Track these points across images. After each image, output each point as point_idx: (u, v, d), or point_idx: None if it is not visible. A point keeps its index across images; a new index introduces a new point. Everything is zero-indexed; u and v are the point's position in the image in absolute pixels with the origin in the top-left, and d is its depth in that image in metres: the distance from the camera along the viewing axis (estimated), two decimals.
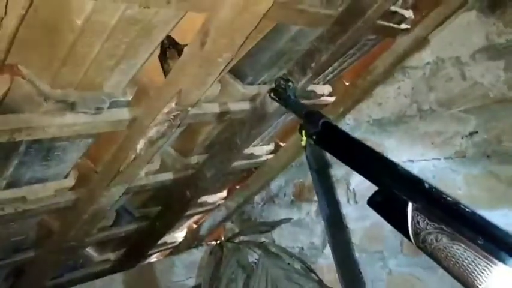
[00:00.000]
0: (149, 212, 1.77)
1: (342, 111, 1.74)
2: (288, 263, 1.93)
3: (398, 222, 0.66)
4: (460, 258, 0.57)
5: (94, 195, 1.26)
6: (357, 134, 1.69)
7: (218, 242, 2.16)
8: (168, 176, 1.57)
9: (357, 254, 1.81)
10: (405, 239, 1.67)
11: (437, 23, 1.52)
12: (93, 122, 1.03)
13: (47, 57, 0.88)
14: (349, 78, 1.71)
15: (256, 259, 2.00)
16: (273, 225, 2.03)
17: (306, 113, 0.90)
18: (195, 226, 2.26)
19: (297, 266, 1.92)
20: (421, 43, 1.58)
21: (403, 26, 1.50)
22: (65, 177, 1.26)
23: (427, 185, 0.66)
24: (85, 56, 0.89)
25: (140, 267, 2.03)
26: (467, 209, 0.60)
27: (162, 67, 1.05)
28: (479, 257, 0.55)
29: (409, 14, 1.47)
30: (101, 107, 1.02)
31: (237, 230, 2.16)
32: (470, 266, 0.56)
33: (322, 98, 1.68)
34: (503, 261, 0.53)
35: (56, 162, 1.18)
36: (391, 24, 1.43)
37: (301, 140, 0.88)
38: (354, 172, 1.75)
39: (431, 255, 0.62)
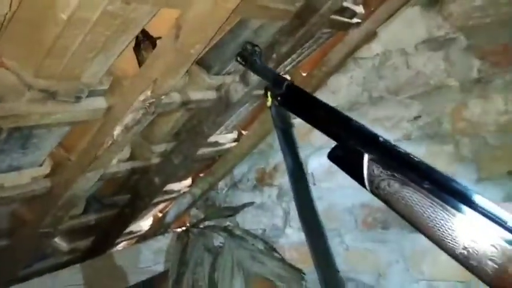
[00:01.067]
0: (118, 200, 1.83)
1: None
2: (252, 244, 2.05)
3: (355, 172, 0.72)
4: (409, 200, 0.64)
5: (70, 181, 1.31)
6: None
7: (184, 228, 2.24)
8: (137, 164, 1.64)
9: None
10: (360, 216, 1.83)
11: (385, 18, 1.67)
12: (73, 110, 1.10)
13: (31, 50, 0.94)
14: (306, 69, 1.83)
15: (221, 242, 2.10)
16: (237, 209, 2.14)
17: (271, 76, 0.94)
18: (160, 214, 2.33)
19: (261, 246, 2.04)
20: (371, 36, 1.72)
21: (354, 20, 1.64)
22: (41, 165, 1.31)
23: (381, 139, 0.72)
24: (67, 48, 0.96)
25: (108, 255, 2.08)
26: (415, 158, 0.67)
27: (137, 58, 1.13)
28: (425, 198, 0.63)
29: (359, 9, 1.61)
30: (80, 96, 1.09)
31: (202, 216, 2.24)
32: (418, 206, 0.63)
33: None
34: (444, 200, 0.61)
35: (32, 150, 1.23)
36: (344, 19, 1.57)
37: (267, 101, 0.92)
38: (312, 156, 1.89)
39: (384, 199, 0.69)
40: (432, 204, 0.63)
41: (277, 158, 2.03)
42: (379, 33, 1.72)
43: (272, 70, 0.99)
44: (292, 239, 2.02)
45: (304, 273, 1.93)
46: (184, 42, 1.02)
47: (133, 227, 2.18)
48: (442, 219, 0.62)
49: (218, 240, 2.13)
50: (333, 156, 0.77)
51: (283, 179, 2.02)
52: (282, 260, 1.97)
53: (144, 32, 1.10)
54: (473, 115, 1.59)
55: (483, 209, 0.60)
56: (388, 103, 1.74)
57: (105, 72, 1.11)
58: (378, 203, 1.93)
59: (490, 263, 0.57)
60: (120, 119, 1.16)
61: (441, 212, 0.62)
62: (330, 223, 1.92)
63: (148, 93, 1.10)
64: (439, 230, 0.62)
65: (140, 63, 1.12)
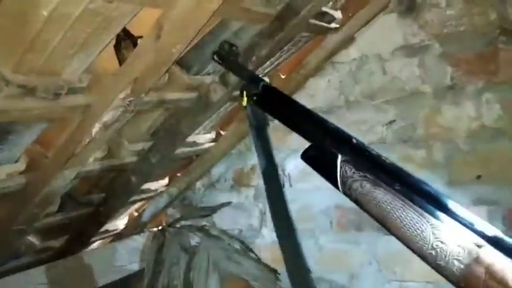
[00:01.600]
0: (93, 198, 1.82)
1: None
2: (228, 244, 2.07)
3: (328, 173, 0.74)
4: (380, 201, 0.67)
5: (46, 178, 1.30)
6: None
7: (160, 227, 2.24)
8: (114, 162, 1.63)
9: None
10: (334, 218, 1.86)
11: (363, 23, 1.71)
12: (51, 107, 1.09)
13: (11, 45, 0.94)
14: (284, 72, 1.86)
15: (197, 242, 2.11)
16: (214, 209, 2.15)
17: (247, 76, 0.96)
18: (136, 213, 2.32)
19: (237, 246, 2.06)
20: (348, 41, 1.76)
21: (333, 25, 1.66)
22: (16, 161, 1.30)
23: (354, 140, 0.75)
24: (47, 45, 0.96)
25: (83, 254, 2.06)
26: (387, 161, 0.70)
27: (117, 56, 1.13)
28: (396, 200, 0.66)
29: (338, 14, 1.64)
30: (59, 93, 1.08)
31: (178, 216, 2.25)
32: (389, 207, 0.66)
33: None
34: (415, 202, 0.64)
35: (8, 146, 1.22)
36: (322, 23, 1.59)
37: (242, 101, 0.92)
38: (288, 158, 1.92)
39: (356, 200, 0.71)
40: (403, 205, 0.66)
41: (255, 159, 2.02)
42: (356, 38, 1.76)
43: (249, 70, 1.00)
44: (268, 239, 2.04)
45: (279, 274, 1.95)
46: (166, 41, 1.03)
47: (108, 226, 2.16)
48: (412, 220, 0.65)
49: (194, 239, 2.14)
50: (306, 156, 0.80)
51: (261, 180, 2.03)
52: (258, 260, 1.99)
53: (125, 31, 1.10)
54: (445, 121, 1.64)
55: (451, 211, 0.64)
56: (364, 107, 1.78)
57: (85, 69, 1.11)
58: (352, 204, 1.97)
59: (456, 263, 0.60)
60: (99, 116, 1.16)
61: (411, 213, 0.65)
62: (304, 224, 1.95)
63: (129, 91, 1.11)
64: (409, 231, 0.65)
65: (121, 61, 1.12)
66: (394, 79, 1.71)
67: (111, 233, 2.27)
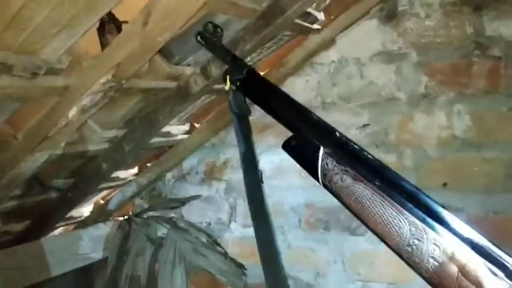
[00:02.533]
0: (61, 183, 1.77)
1: None
2: (196, 237, 2.05)
3: (309, 164, 0.73)
4: (360, 196, 0.67)
5: (15, 160, 1.26)
6: (269, 119, 1.85)
7: (126, 217, 2.21)
8: (85, 148, 1.60)
9: None
10: (304, 216, 1.88)
11: (344, 27, 1.73)
12: (28, 86, 1.06)
13: None
14: (264, 69, 1.86)
15: (164, 234, 2.09)
16: (183, 201, 2.14)
17: (231, 59, 0.91)
18: (102, 201, 2.28)
19: (204, 239, 2.05)
20: (329, 43, 1.78)
21: (315, 26, 1.68)
22: None
23: (337, 134, 0.74)
24: (29, 22, 0.93)
25: (45, 240, 2.01)
26: (369, 156, 0.71)
27: (100, 40, 1.11)
28: (375, 195, 0.66)
29: (320, 16, 1.66)
30: (37, 72, 1.05)
31: (146, 206, 2.22)
32: (368, 202, 0.66)
33: None
34: (394, 198, 0.65)
35: None
36: (306, 24, 1.61)
37: (225, 85, 0.88)
38: (264, 154, 1.92)
39: (335, 193, 0.71)
40: (382, 201, 0.66)
41: (228, 153, 2.05)
42: (337, 41, 1.78)
43: (233, 53, 0.94)
44: (236, 234, 2.04)
45: (245, 268, 1.96)
46: (152, 29, 1.02)
47: (73, 213, 2.12)
48: (390, 217, 0.65)
49: (161, 231, 2.12)
50: (288, 146, 0.78)
51: (233, 175, 2.04)
52: (225, 254, 1.99)
53: (110, 15, 1.08)
54: (417, 128, 1.68)
55: (430, 210, 0.64)
56: (340, 109, 1.81)
57: (66, 50, 1.08)
58: (321, 204, 2.00)
59: (431, 261, 0.62)
60: (77, 100, 1.14)
61: (390, 209, 0.66)
62: (275, 220, 1.95)
63: (110, 76, 1.09)
64: (387, 227, 0.66)
65: (103, 45, 1.10)
66: (371, 84, 1.75)
67: (75, 220, 2.23)
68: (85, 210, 2.26)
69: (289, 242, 1.93)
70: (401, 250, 0.64)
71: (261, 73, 1.89)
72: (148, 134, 1.60)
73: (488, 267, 0.57)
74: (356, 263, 1.81)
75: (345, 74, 1.79)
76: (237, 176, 2.03)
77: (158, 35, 1.04)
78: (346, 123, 1.79)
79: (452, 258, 0.60)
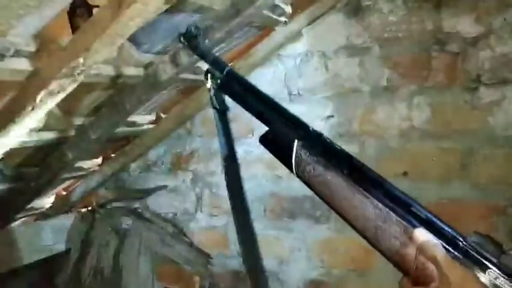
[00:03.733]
0: (24, 172, 1.74)
1: None
2: (161, 227, 2.06)
3: (284, 156, 0.80)
4: (330, 183, 0.74)
5: None
6: (237, 110, 1.87)
7: (90, 208, 2.18)
8: (50, 135, 1.57)
9: (225, 219, 2.01)
10: (268, 205, 1.91)
11: (310, 20, 1.77)
12: None
13: None
14: (232, 59, 1.88)
15: (129, 224, 2.08)
16: (149, 192, 2.13)
17: (213, 60, 0.96)
18: (64, 192, 2.24)
19: (170, 230, 2.05)
20: (296, 35, 1.82)
21: (282, 18, 1.72)
22: None
23: (310, 128, 0.82)
24: None
25: (5, 231, 1.96)
26: (339, 147, 0.78)
27: (71, 24, 1.10)
28: (344, 182, 0.73)
29: (288, 9, 1.69)
30: (3, 54, 1.03)
31: (111, 197, 2.20)
32: (337, 189, 0.73)
33: None
34: (361, 185, 0.72)
35: None
36: (274, 16, 1.64)
37: (207, 83, 0.95)
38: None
39: (307, 182, 0.77)
40: (350, 187, 0.73)
41: (195, 143, 2.06)
42: (303, 34, 1.82)
43: (214, 54, 1.01)
44: (202, 224, 2.06)
45: (211, 258, 1.98)
46: (125, 13, 1.01)
47: (34, 203, 2.07)
48: (357, 202, 0.72)
49: (126, 222, 2.11)
50: (264, 140, 0.85)
51: (199, 165, 2.05)
52: (190, 244, 2.01)
53: None
54: (379, 119, 1.74)
55: (391, 193, 0.71)
56: (305, 101, 1.85)
57: (36, 33, 1.06)
58: (286, 193, 2.05)
59: (393, 240, 0.68)
60: (46, 84, 1.12)
61: (357, 194, 0.72)
62: None
63: (80, 61, 1.08)
64: (354, 210, 0.72)
65: (74, 29, 1.09)
66: (336, 76, 1.80)
67: (37, 211, 2.18)
68: (47, 201, 2.21)
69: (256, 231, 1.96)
70: (368, 232, 0.70)
71: (230, 64, 1.90)
72: (115, 122, 1.59)
73: (442, 245, 0.63)
74: (319, 250, 1.86)
75: (311, 67, 1.83)
76: (203, 166, 2.05)
77: (130, 20, 1.04)
78: (311, 114, 1.83)
79: (411, 238, 0.66)
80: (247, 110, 0.90)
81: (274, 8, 1.61)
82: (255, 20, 1.56)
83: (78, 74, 1.12)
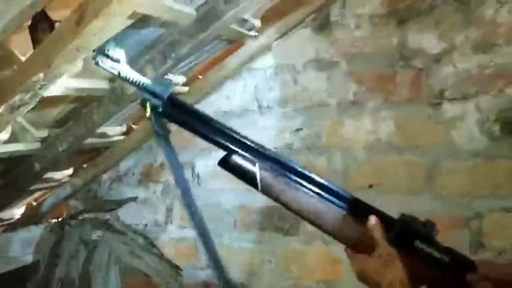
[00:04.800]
0: None
1: (193, 101, 1.92)
2: (131, 239, 2.05)
3: (248, 177, 0.90)
4: (294, 195, 0.89)
5: None
6: None
7: (60, 219, 2.16)
8: (17, 147, 1.56)
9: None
10: (238, 217, 1.93)
11: (280, 34, 1.80)
12: None
13: None
14: (202, 72, 1.90)
15: (99, 236, 2.06)
16: (119, 203, 2.12)
17: (147, 87, 0.92)
18: (35, 203, 2.22)
19: (140, 241, 2.04)
20: (265, 49, 1.84)
21: (252, 32, 1.74)
22: None
23: (265, 149, 0.91)
24: None
25: None
26: (294, 164, 0.91)
27: (32, 38, 1.10)
28: (305, 192, 0.90)
29: (257, 23, 1.72)
30: None
31: (81, 208, 2.18)
32: (301, 199, 0.89)
33: (176, 88, 1.83)
34: (316, 193, 0.90)
35: None
36: (242, 30, 1.66)
37: (146, 111, 0.91)
38: (198, 158, 1.96)
39: (273, 197, 0.90)
40: (310, 196, 0.90)
41: None
42: (273, 47, 1.85)
43: (147, 81, 0.94)
44: (173, 235, 2.06)
45: (181, 270, 1.98)
46: (87, 28, 1.02)
47: (4, 214, 2.05)
48: (317, 205, 0.89)
49: (96, 233, 2.09)
50: (224, 164, 0.91)
51: (170, 176, 2.05)
52: (161, 256, 2.00)
53: (43, 12, 1.08)
54: (346, 132, 1.77)
55: (337, 194, 0.92)
56: (275, 113, 1.87)
57: None
58: (255, 205, 2.06)
59: (353, 224, 0.89)
60: (6, 98, 1.12)
61: (315, 200, 0.90)
62: (210, 223, 1.97)
63: (41, 75, 1.08)
64: (317, 213, 0.89)
65: (35, 43, 1.09)
66: (304, 90, 1.82)
67: (5, 222, 2.15)
68: (16, 212, 2.19)
69: (224, 243, 1.97)
70: (327, 228, 0.90)
71: (200, 76, 1.92)
72: (83, 135, 1.59)
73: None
74: (288, 262, 1.88)
75: (280, 80, 1.86)
76: (173, 178, 2.05)
77: (92, 35, 1.05)
78: (280, 127, 1.86)
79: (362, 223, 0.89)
80: (195, 134, 0.93)
81: (243, 22, 1.64)
82: (223, 33, 1.58)
83: (39, 88, 1.12)
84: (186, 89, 1.90)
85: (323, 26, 1.78)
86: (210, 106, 1.95)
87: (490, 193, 1.60)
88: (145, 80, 0.94)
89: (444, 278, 0.86)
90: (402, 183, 1.70)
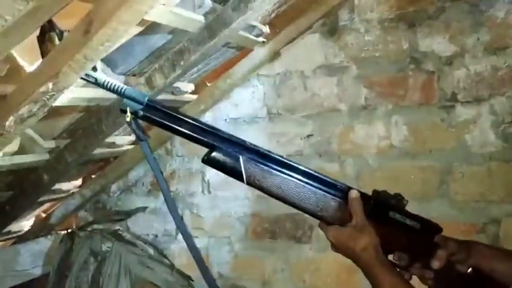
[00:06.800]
0: None
1: (202, 109, 1.91)
2: (142, 249, 2.02)
3: (233, 171, 0.91)
4: (278, 184, 0.92)
5: None
6: None
7: (69, 230, 2.14)
8: (26, 159, 1.55)
9: (206, 240, 1.99)
10: (250, 226, 1.90)
11: (288, 40, 1.79)
12: None
13: None
14: (211, 79, 1.88)
15: (109, 247, 2.04)
16: (129, 213, 2.10)
17: (126, 93, 0.93)
18: (44, 215, 2.21)
19: (150, 251, 2.02)
20: (274, 55, 1.83)
21: (260, 39, 1.73)
22: None
23: (248, 143, 0.93)
24: None
25: None
26: (277, 155, 0.94)
27: (40, 48, 1.09)
28: (289, 181, 0.93)
29: (266, 29, 1.70)
30: None
31: (90, 219, 2.17)
32: (285, 187, 0.92)
33: (185, 95, 1.82)
34: (300, 180, 0.93)
35: None
36: (251, 36, 1.65)
37: (126, 117, 0.92)
38: (206, 166, 1.94)
39: (259, 187, 0.92)
40: (295, 184, 0.93)
41: (175, 164, 2.05)
42: (281, 54, 1.83)
43: (125, 87, 0.95)
44: (183, 245, 2.02)
45: (192, 280, 1.95)
46: (94, 37, 1.01)
47: (12, 227, 2.03)
48: (302, 192, 0.93)
49: (106, 244, 2.07)
50: (208, 161, 0.91)
51: (180, 185, 2.04)
52: (172, 266, 1.97)
53: (50, 23, 1.06)
54: (358, 138, 1.75)
55: (323, 181, 0.96)
56: (285, 120, 1.85)
57: (4, 58, 1.05)
58: (267, 213, 2.03)
59: (333, 203, 0.94)
60: (15, 109, 1.10)
61: (301, 187, 0.93)
62: (221, 231, 1.97)
63: (50, 85, 1.07)
64: (303, 200, 0.93)
65: (43, 53, 1.08)
66: (314, 95, 1.80)
67: (14, 235, 2.14)
68: (25, 224, 2.18)
69: (236, 251, 1.94)
70: (316, 212, 0.94)
71: (208, 84, 1.91)
72: (92, 145, 1.58)
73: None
74: (301, 270, 1.84)
75: (290, 86, 1.84)
76: (183, 187, 2.03)
77: (100, 44, 1.03)
78: (290, 133, 1.83)
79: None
80: (178, 135, 0.93)
81: (251, 28, 1.62)
82: (231, 40, 1.57)
83: (48, 99, 1.10)
84: (194, 97, 1.88)
85: (332, 31, 1.77)
86: (219, 114, 1.93)
87: (506, 197, 1.56)
88: (122, 86, 0.94)
89: (416, 241, 0.95)
90: (416, 189, 1.67)
